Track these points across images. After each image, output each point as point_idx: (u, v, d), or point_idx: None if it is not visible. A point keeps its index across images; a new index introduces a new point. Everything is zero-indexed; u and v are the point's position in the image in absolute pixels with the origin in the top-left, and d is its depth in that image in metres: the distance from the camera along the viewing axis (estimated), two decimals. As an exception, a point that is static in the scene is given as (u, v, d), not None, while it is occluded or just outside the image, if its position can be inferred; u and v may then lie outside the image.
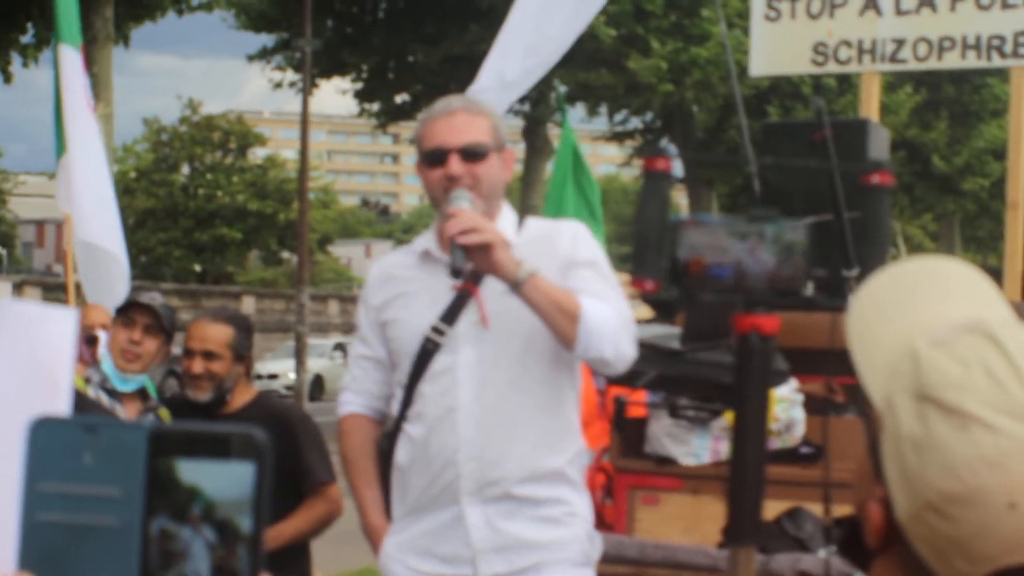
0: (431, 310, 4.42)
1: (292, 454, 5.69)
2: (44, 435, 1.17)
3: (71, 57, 7.58)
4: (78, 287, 8.15)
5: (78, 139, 7.52)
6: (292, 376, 35.58)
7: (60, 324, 1.22)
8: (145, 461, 1.14)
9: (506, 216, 4.49)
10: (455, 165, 4.32)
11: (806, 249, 2.00)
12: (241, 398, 5.84)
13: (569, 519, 4.39)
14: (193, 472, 1.13)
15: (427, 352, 4.40)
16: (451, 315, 4.39)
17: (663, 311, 6.62)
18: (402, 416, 4.49)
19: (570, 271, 4.32)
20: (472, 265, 4.14)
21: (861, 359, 1.73)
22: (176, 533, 1.13)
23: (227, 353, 5.73)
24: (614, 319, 4.20)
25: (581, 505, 4.45)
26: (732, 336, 5.84)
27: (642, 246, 2.27)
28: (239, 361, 5.80)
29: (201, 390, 5.71)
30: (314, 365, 39.53)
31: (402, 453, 4.47)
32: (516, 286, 4.11)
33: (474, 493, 4.33)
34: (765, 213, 2.03)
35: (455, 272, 4.10)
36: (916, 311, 1.73)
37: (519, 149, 39.16)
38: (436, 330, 4.39)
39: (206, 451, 1.14)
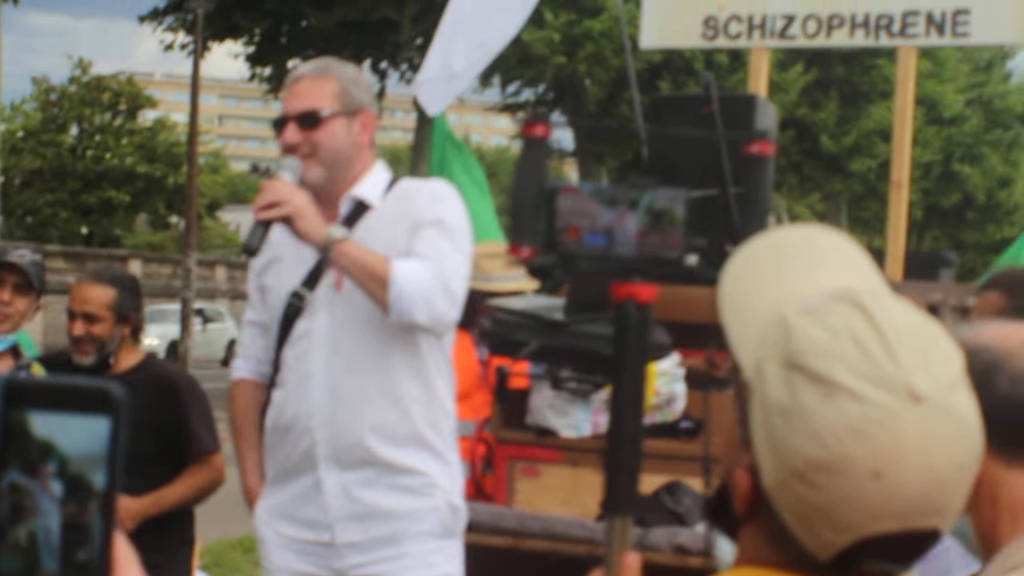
0: (298, 274, 4.43)
1: (177, 419, 5.64)
2: None
3: None
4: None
5: None
6: (155, 342, 35.36)
7: None
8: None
9: (375, 176, 4.47)
10: (290, 133, 4.35)
11: (682, 219, 1.98)
12: (127, 360, 5.72)
13: (428, 489, 4.38)
14: (46, 425, 1.10)
15: (289, 317, 4.43)
16: (311, 280, 4.41)
17: (542, 279, 6.62)
18: (272, 381, 4.52)
19: (416, 230, 4.29)
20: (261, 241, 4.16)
21: (733, 325, 1.74)
22: (26, 487, 1.09)
23: (108, 315, 5.61)
24: (428, 281, 4.15)
25: (442, 475, 4.42)
26: (613, 308, 5.85)
27: (519, 212, 2.25)
28: (123, 323, 5.67)
29: (83, 353, 5.61)
30: (172, 331, 39.25)
31: (268, 417, 4.50)
32: (324, 252, 4.13)
33: (331, 459, 4.33)
34: (641, 180, 2.01)
35: (248, 250, 4.16)
36: (789, 278, 1.74)
37: (411, 118, 39.10)
38: (296, 294, 4.41)
39: (61, 404, 1.10)
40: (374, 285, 4.12)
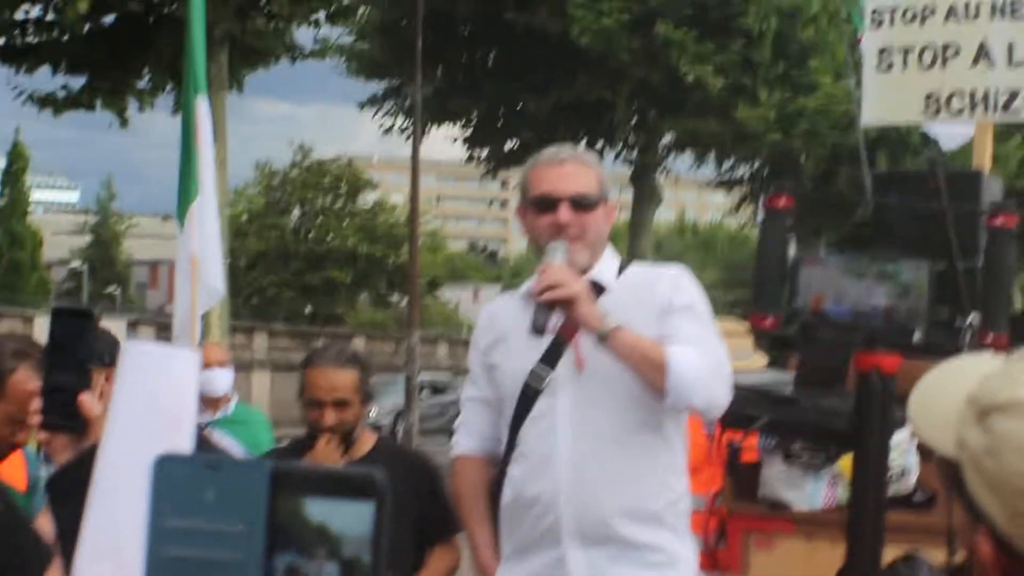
0: (533, 353, 4.45)
1: (431, 502, 5.40)
2: (168, 472, 1.20)
3: (205, 106, 7.82)
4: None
5: (207, 184, 7.76)
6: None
7: (183, 364, 1.25)
8: (268, 498, 1.17)
9: (608, 261, 4.53)
10: (564, 213, 4.38)
11: (926, 291, 2.07)
12: (365, 443, 5.45)
13: (671, 564, 4.41)
14: (317, 510, 1.17)
15: (527, 395, 4.45)
16: (551, 359, 4.43)
17: (781, 348, 6.66)
18: (507, 458, 4.54)
19: (666, 316, 4.33)
20: (554, 322, 4.19)
21: (929, 428, 1.86)
22: (302, 569, 1.17)
23: (356, 398, 5.31)
24: (704, 367, 4.19)
25: (683, 551, 4.46)
26: (846, 382, 5.88)
27: (762, 283, 2.32)
28: (366, 403, 5.39)
29: (330, 442, 5.27)
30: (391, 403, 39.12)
31: (507, 494, 4.51)
32: (601, 339, 4.15)
33: (575, 535, 4.35)
34: (885, 253, 2.11)
35: (536, 329, 4.18)
36: (968, 381, 1.85)
37: (627, 196, 39.20)
38: (535, 374, 4.43)
39: (328, 490, 1.17)
40: (652, 371, 4.16)
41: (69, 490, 1.27)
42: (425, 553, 5.52)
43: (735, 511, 6.05)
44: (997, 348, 6.05)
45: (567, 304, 4.14)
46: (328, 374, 5.28)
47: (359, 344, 48.63)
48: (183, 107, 8.09)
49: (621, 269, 4.56)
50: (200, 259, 7.87)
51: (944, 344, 2.12)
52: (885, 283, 2.09)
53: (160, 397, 1.23)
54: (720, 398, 4.27)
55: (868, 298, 2.10)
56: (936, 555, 5.51)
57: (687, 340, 4.25)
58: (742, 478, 6.11)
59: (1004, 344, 6.20)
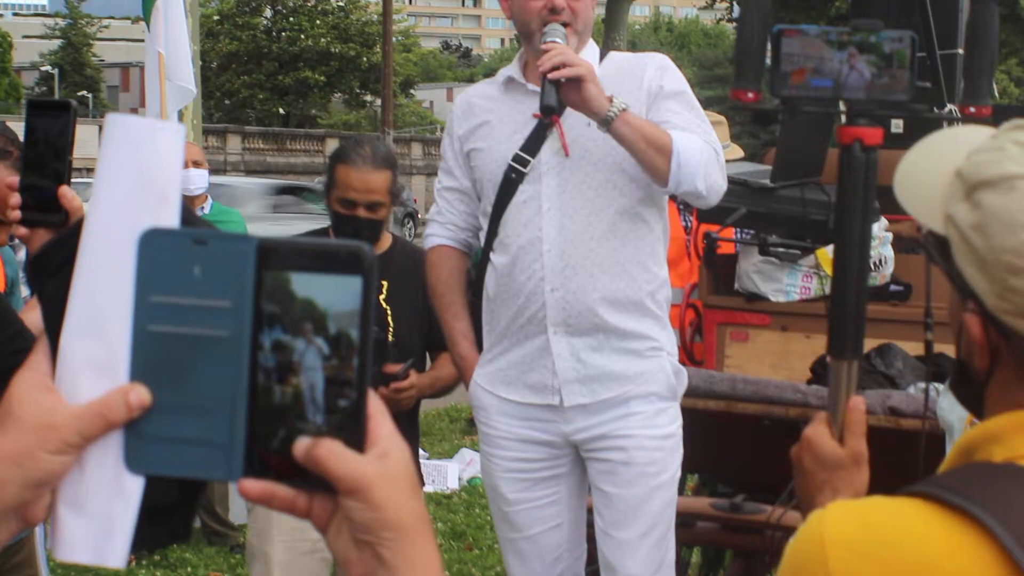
0: (514, 139, 4.40)
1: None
2: (154, 247, 1.18)
3: None
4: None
5: None
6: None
7: (168, 136, 1.22)
8: (255, 273, 1.16)
9: (590, 50, 4.46)
10: None
11: (907, 60, 2.01)
12: (383, 243, 5.50)
13: (653, 353, 4.41)
14: (304, 285, 1.15)
15: (510, 181, 4.39)
16: (534, 144, 4.37)
17: (766, 124, 6.64)
18: (488, 246, 4.49)
19: (657, 102, 4.30)
20: (559, 102, 4.09)
21: (916, 200, 1.83)
22: (290, 345, 1.15)
23: (387, 199, 5.34)
24: (704, 151, 4.18)
25: (666, 340, 4.46)
26: (822, 172, 5.84)
27: (743, 57, 2.27)
28: (393, 203, 5.41)
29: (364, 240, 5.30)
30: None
31: (489, 283, 4.48)
32: (606, 122, 4.08)
33: (560, 324, 4.34)
34: (867, 23, 2.03)
35: (546, 109, 4.08)
36: (956, 155, 1.81)
37: (602, -9, 38.82)
38: (518, 159, 4.38)
39: (315, 265, 1.15)
40: (657, 155, 4.11)
41: (53, 268, 1.23)
42: (431, 357, 5.52)
43: (711, 304, 6.05)
44: (980, 119, 6.01)
45: (575, 83, 4.04)
46: (365, 175, 5.27)
47: (332, 145, 48.47)
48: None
49: (601, 58, 4.49)
50: (168, 58, 7.77)
51: (928, 130, 2.07)
52: (867, 53, 2.02)
53: (145, 169, 1.19)
54: (720, 183, 4.27)
55: (850, 69, 2.03)
56: (909, 348, 5.53)
57: (683, 125, 4.23)
58: (719, 271, 6.11)
59: (988, 115, 6.15)
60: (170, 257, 1.18)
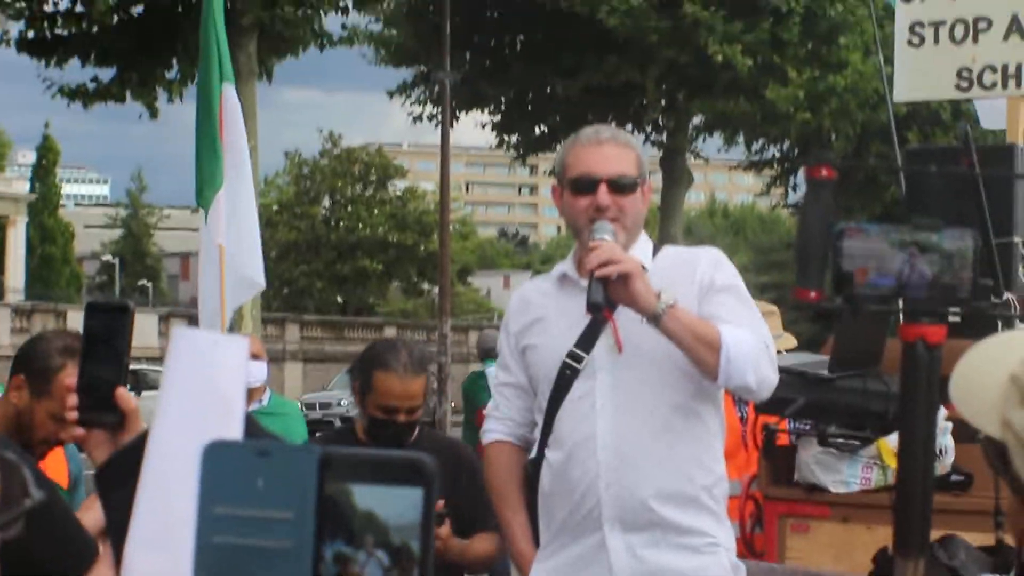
0: (568, 335, 4.38)
1: (469, 490, 5.31)
2: (218, 459, 1.20)
3: (233, 95, 7.76)
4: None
5: (234, 173, 7.72)
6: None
7: (232, 349, 1.24)
8: (317, 484, 1.17)
9: (643, 244, 4.47)
10: (604, 195, 4.30)
11: (970, 260, 2.02)
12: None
13: (712, 548, 4.35)
14: (366, 496, 1.16)
15: (565, 378, 4.37)
16: (588, 340, 4.35)
17: (826, 322, 6.65)
18: (543, 442, 4.46)
19: (708, 296, 4.28)
20: (607, 299, 4.08)
21: (972, 404, 1.82)
22: (351, 557, 1.16)
23: (423, 401, 5.34)
24: (754, 346, 4.15)
25: (723, 535, 4.40)
26: (881, 362, 5.83)
27: (805, 256, 2.28)
28: (427, 399, 5.44)
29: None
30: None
31: (545, 479, 4.45)
32: (655, 318, 4.07)
33: (615, 520, 4.29)
34: (928, 222, 2.05)
35: (593, 307, 4.07)
36: (1011, 359, 1.81)
37: (656, 179, 39.15)
38: (573, 355, 4.36)
39: (376, 476, 1.16)
40: (706, 350, 4.10)
41: (118, 480, 1.25)
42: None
43: (771, 495, 6.01)
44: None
45: (622, 280, 4.03)
46: (407, 383, 5.27)
47: (390, 333, 48.75)
48: (201, 96, 8.00)
49: (655, 251, 4.51)
50: (233, 251, 7.80)
51: (984, 321, 2.08)
52: (928, 253, 2.03)
53: (210, 383, 1.21)
54: (771, 377, 4.22)
55: (912, 268, 2.05)
56: (972, 538, 5.47)
57: (734, 320, 4.21)
58: (778, 462, 6.08)
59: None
60: (233, 469, 1.19)
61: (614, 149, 4.40)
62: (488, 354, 12.42)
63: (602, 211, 4.30)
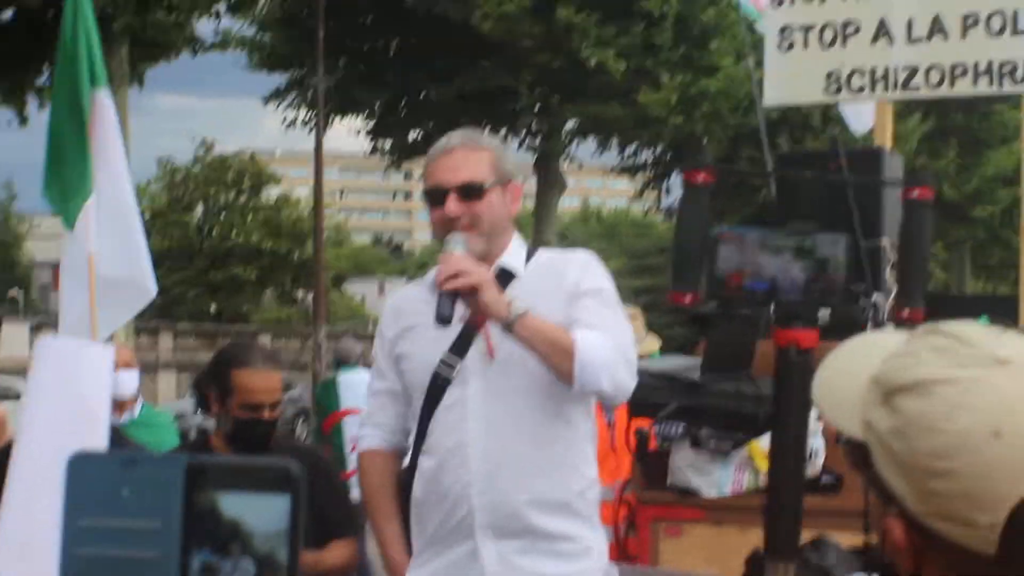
0: (441, 342, 4.40)
1: (326, 496, 5.39)
2: (82, 470, 1.18)
3: (108, 101, 7.57)
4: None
5: (108, 180, 7.52)
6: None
7: (97, 359, 1.23)
8: (183, 494, 1.15)
9: (515, 248, 4.49)
10: (452, 204, 4.32)
11: (843, 265, 2.03)
12: None
13: (584, 553, 4.38)
14: (232, 505, 1.14)
15: (437, 385, 4.40)
16: (460, 347, 4.38)
17: (700, 326, 6.69)
18: (417, 450, 4.48)
19: (575, 300, 4.30)
20: (460, 312, 4.13)
21: (834, 407, 1.85)
22: (217, 566, 1.14)
23: (281, 397, 5.37)
24: (610, 351, 4.16)
25: (595, 540, 4.43)
26: (751, 366, 5.87)
27: (681, 259, 2.27)
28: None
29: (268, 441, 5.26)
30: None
31: (417, 487, 4.47)
32: (507, 327, 4.10)
33: (488, 527, 4.31)
34: (802, 226, 2.06)
35: (440, 320, 4.11)
36: (872, 361, 1.82)
37: (531, 184, 39.23)
38: (445, 363, 4.38)
39: (243, 484, 1.15)
40: (559, 357, 4.12)
41: None
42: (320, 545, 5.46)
43: (644, 499, 6.03)
44: (914, 323, 6.05)
45: (471, 292, 4.06)
46: (268, 376, 5.29)
47: (264, 341, 48.42)
48: (62, 103, 7.77)
49: (529, 256, 4.52)
50: (110, 259, 7.58)
51: (848, 324, 2.09)
52: (802, 258, 2.04)
53: (75, 391, 1.19)
54: (627, 382, 4.24)
55: (786, 273, 2.06)
56: (843, 538, 5.51)
57: (597, 323, 4.22)
58: (651, 465, 6.10)
59: (920, 319, 6.20)
60: (98, 480, 1.17)
61: (464, 154, 4.41)
62: (343, 362, 12.43)
63: (453, 221, 4.32)
